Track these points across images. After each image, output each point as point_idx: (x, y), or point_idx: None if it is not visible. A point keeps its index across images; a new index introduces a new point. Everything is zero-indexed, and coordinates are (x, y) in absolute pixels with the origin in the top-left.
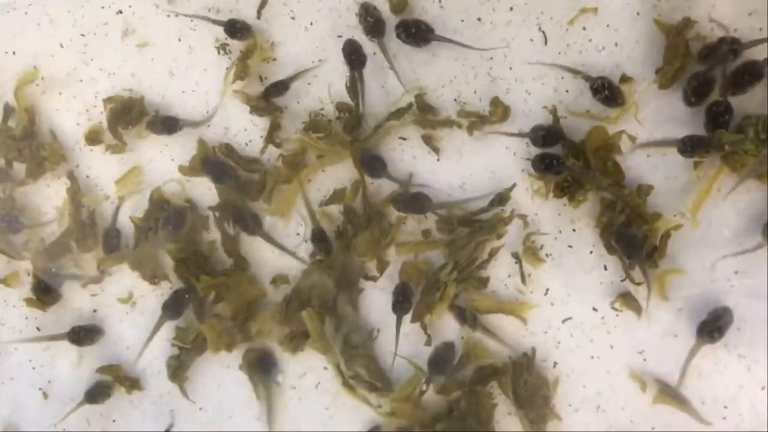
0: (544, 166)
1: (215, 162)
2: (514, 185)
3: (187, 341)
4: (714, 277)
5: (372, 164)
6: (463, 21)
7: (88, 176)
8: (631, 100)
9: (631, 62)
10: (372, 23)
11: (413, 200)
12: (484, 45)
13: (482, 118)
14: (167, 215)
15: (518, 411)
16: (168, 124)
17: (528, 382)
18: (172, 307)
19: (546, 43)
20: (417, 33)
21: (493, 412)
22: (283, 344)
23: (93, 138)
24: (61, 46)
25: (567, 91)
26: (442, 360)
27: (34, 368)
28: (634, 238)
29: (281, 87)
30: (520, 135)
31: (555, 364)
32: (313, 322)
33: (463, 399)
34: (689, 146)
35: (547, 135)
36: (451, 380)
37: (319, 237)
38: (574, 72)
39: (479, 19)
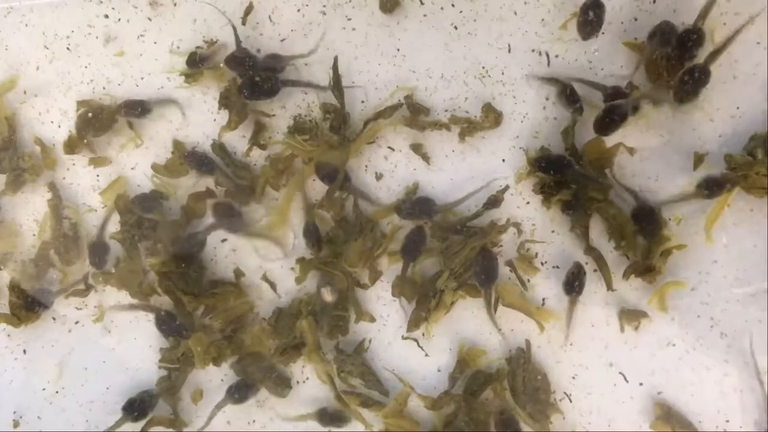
0: (546, 165)
1: (197, 153)
2: (507, 187)
3: (174, 360)
4: (711, 284)
5: (333, 178)
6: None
7: (70, 185)
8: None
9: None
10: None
11: (417, 206)
12: (474, 50)
13: (474, 124)
14: (140, 198)
15: (520, 409)
16: (138, 107)
17: (526, 377)
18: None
19: (541, 54)
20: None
21: (490, 421)
22: (273, 357)
23: (71, 146)
24: (43, 53)
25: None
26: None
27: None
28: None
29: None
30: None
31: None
32: (311, 333)
33: (460, 412)
34: (708, 188)
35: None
36: (444, 394)
37: (311, 231)
38: (585, 83)
39: (465, 21)
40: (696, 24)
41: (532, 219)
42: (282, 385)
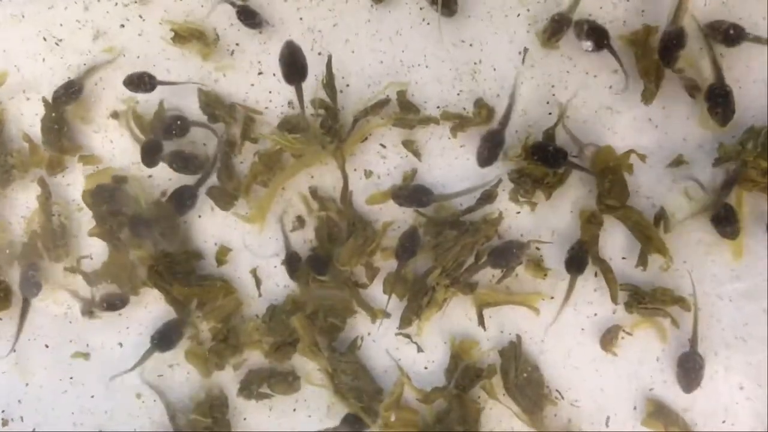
0: (542, 155)
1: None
2: (500, 180)
3: (207, 413)
4: (708, 281)
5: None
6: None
7: (59, 183)
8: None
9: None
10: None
11: (414, 193)
12: (466, 46)
13: (466, 119)
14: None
15: (513, 402)
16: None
17: (518, 370)
18: (162, 340)
19: (521, 53)
20: None
21: (479, 416)
22: (269, 356)
23: (53, 166)
24: (32, 49)
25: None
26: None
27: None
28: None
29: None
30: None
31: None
32: (304, 328)
33: (452, 409)
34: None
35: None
36: (436, 389)
37: (293, 260)
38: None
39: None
40: (674, 25)
41: (535, 221)
42: (292, 379)
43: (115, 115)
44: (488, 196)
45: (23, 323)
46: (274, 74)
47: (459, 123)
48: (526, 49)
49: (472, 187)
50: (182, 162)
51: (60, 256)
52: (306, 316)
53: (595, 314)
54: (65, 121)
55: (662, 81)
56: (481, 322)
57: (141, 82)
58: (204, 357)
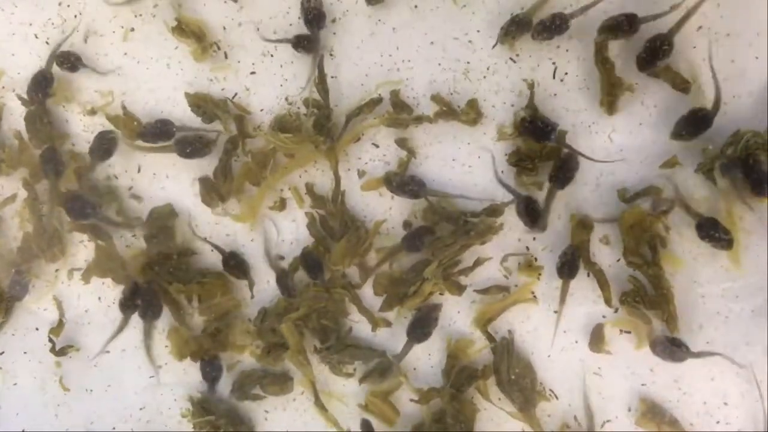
0: (537, 131)
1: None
2: (512, 200)
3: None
4: (703, 280)
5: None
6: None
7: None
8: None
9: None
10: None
11: (408, 183)
12: (461, 44)
13: (453, 112)
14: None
15: (507, 401)
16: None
17: (510, 366)
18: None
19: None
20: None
21: (475, 417)
22: (261, 359)
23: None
24: (24, 47)
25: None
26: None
27: None
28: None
29: None
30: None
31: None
32: (293, 335)
33: (448, 409)
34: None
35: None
36: (432, 389)
37: (283, 279)
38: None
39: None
40: (670, 34)
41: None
42: (284, 381)
43: (92, 111)
44: (494, 211)
45: (6, 322)
46: (273, 73)
47: (443, 111)
48: (499, 35)
49: (469, 195)
50: (189, 147)
51: (56, 256)
52: (297, 319)
53: (588, 315)
54: (48, 112)
55: (618, 90)
56: (490, 339)
57: (65, 60)
58: (185, 339)
